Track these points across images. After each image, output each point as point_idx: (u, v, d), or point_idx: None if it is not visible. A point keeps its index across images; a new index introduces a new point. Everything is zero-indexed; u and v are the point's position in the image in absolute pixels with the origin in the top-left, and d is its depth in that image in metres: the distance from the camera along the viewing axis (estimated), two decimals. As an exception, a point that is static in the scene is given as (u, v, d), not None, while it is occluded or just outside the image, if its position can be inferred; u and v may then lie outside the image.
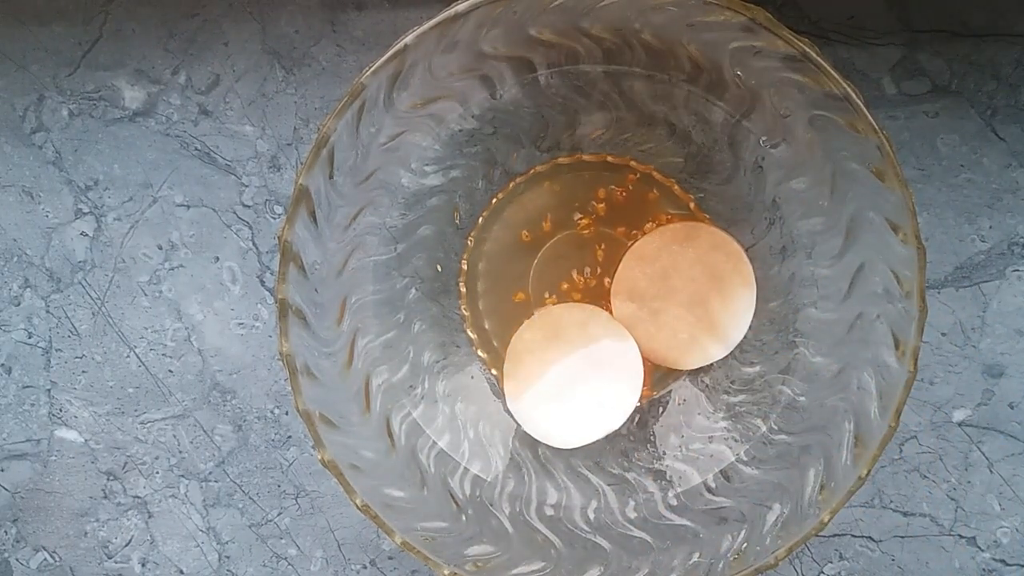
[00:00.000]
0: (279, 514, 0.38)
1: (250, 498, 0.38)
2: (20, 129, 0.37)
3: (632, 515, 0.34)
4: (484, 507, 0.33)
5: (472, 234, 0.36)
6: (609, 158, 0.35)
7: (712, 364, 0.35)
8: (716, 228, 0.34)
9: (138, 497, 0.38)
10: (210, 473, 0.38)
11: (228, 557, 0.38)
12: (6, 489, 0.38)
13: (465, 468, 0.34)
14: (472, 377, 0.36)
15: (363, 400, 0.33)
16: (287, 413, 0.38)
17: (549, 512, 0.34)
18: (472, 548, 0.31)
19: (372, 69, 0.29)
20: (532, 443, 0.35)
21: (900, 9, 0.36)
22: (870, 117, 0.28)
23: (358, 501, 0.29)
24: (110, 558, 0.39)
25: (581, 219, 0.36)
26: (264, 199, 0.37)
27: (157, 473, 0.38)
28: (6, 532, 0.38)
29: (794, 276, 0.34)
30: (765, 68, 0.30)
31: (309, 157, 0.29)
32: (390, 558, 0.38)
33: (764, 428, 0.34)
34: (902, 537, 0.36)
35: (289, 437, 0.38)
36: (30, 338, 0.38)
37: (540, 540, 0.33)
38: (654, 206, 0.36)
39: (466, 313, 0.36)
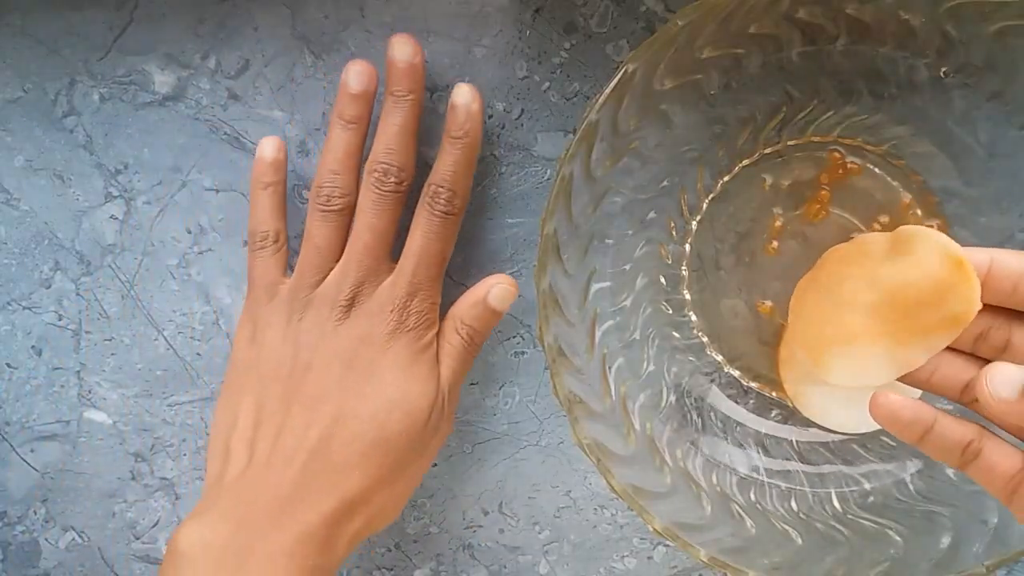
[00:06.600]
0: (305, 497, 0.38)
1: (276, 481, 0.38)
2: (52, 113, 0.37)
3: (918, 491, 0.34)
4: (810, 522, 0.34)
5: (684, 264, 0.36)
6: (815, 139, 0.35)
7: None
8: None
9: (165, 479, 0.39)
10: (237, 456, 0.38)
11: (254, 539, 0.38)
12: (36, 469, 0.39)
13: (768, 484, 0.35)
14: (738, 401, 0.36)
15: (656, 458, 0.34)
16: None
17: (838, 506, 0.35)
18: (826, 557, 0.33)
19: (569, 153, 0.30)
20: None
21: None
22: None
23: (704, 557, 0.31)
24: (138, 539, 0.39)
25: (806, 207, 0.35)
26: (292, 184, 0.37)
27: (184, 455, 0.39)
28: (35, 512, 0.39)
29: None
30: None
31: (540, 313, 0.31)
32: (415, 541, 0.38)
33: None
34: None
35: (315, 421, 0.38)
36: (60, 320, 0.38)
37: (836, 536, 0.34)
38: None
39: (704, 340, 0.37)
